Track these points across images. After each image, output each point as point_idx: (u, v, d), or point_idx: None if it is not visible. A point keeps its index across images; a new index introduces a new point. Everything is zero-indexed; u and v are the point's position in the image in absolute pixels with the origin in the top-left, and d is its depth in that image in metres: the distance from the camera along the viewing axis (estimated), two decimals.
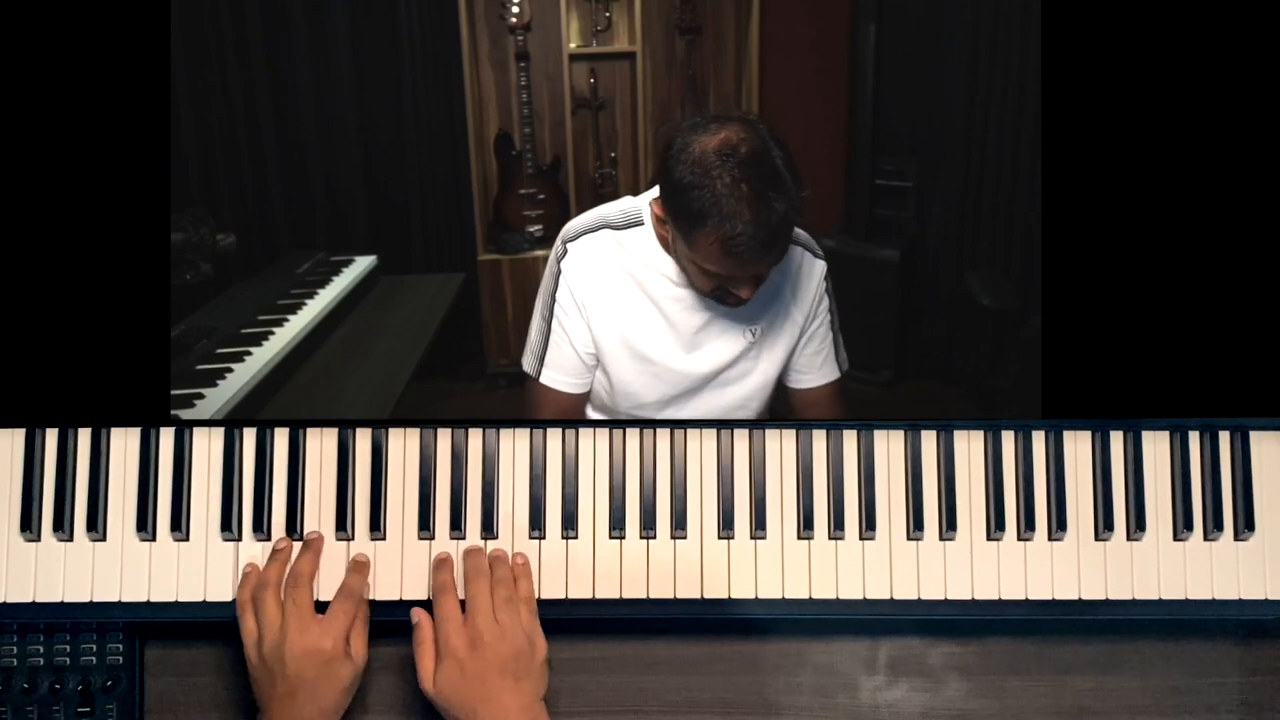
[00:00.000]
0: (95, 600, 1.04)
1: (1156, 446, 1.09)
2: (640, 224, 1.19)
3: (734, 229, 1.02)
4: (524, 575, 1.03)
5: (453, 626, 0.98)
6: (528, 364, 1.25)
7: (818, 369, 1.29)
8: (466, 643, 0.97)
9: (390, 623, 1.05)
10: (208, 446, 1.07)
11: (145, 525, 1.05)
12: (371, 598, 1.04)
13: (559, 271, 1.20)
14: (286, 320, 1.70)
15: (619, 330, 1.21)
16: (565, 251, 1.20)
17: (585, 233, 1.21)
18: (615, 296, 1.20)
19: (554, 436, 1.08)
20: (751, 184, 1.02)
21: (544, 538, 1.06)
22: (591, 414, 1.29)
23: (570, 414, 1.25)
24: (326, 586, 1.04)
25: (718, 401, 1.24)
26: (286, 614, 0.98)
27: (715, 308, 1.19)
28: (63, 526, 1.04)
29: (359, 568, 1.04)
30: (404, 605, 1.04)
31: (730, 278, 1.10)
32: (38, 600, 1.04)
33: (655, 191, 1.18)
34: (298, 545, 1.05)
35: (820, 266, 1.25)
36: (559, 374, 1.23)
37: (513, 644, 0.98)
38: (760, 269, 1.10)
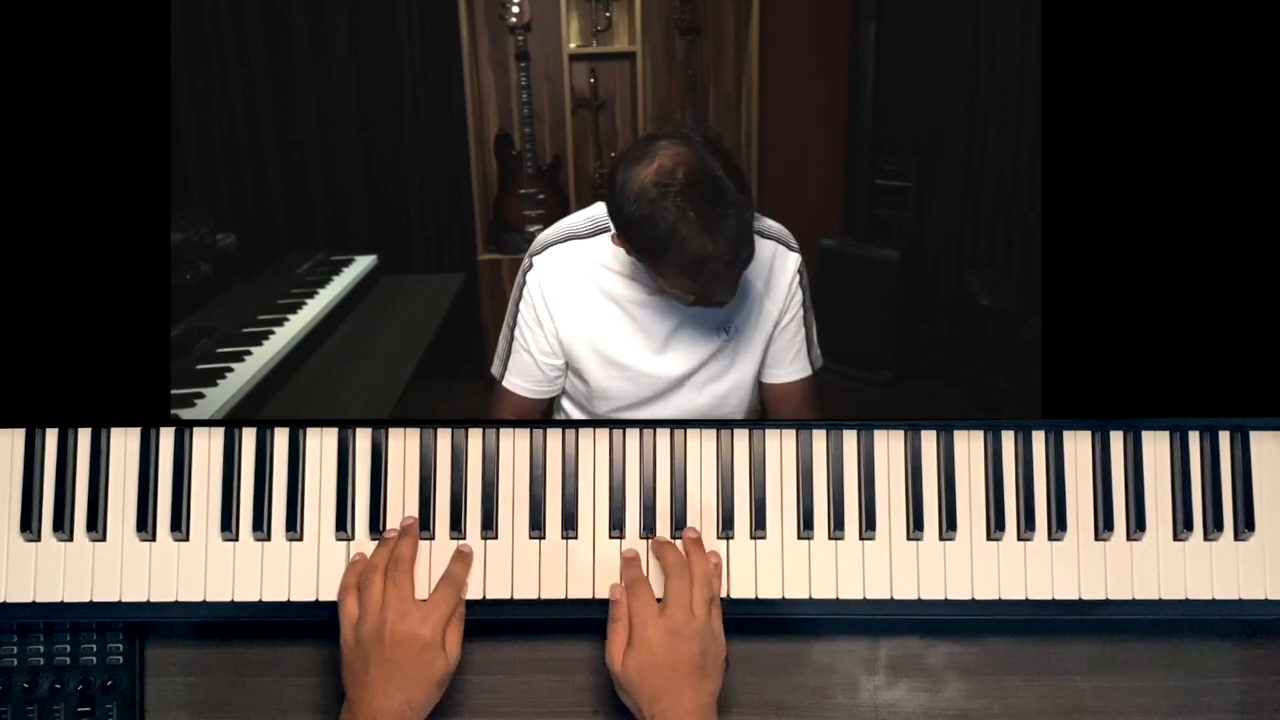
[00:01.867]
0: (95, 600, 1.04)
1: (1156, 446, 1.09)
2: (608, 229, 1.19)
3: (698, 256, 1.01)
4: (716, 575, 1.04)
5: (650, 615, 0.98)
6: (495, 368, 1.28)
7: (788, 364, 1.28)
8: (664, 633, 0.97)
9: None
10: (208, 446, 1.07)
11: (145, 525, 1.05)
12: None
13: (524, 284, 1.23)
14: (286, 320, 1.70)
15: (588, 338, 1.22)
16: (531, 265, 1.23)
17: (551, 244, 1.23)
18: (581, 306, 1.21)
19: (554, 436, 1.08)
20: (698, 207, 1.00)
21: (544, 538, 1.06)
22: (575, 413, 1.30)
23: (529, 416, 1.28)
24: (326, 583, 1.04)
25: (696, 400, 1.24)
26: (388, 597, 0.98)
27: (686, 310, 1.19)
28: (63, 526, 1.04)
29: (463, 557, 1.04)
30: None
31: (706, 289, 1.10)
32: (38, 600, 1.04)
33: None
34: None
35: (794, 260, 1.24)
36: (520, 380, 1.26)
37: (705, 641, 0.98)
38: (732, 276, 1.09)
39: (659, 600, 1.00)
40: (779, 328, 1.26)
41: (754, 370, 1.26)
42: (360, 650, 0.96)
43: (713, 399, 1.25)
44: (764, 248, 1.23)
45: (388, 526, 1.06)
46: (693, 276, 1.05)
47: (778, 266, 1.24)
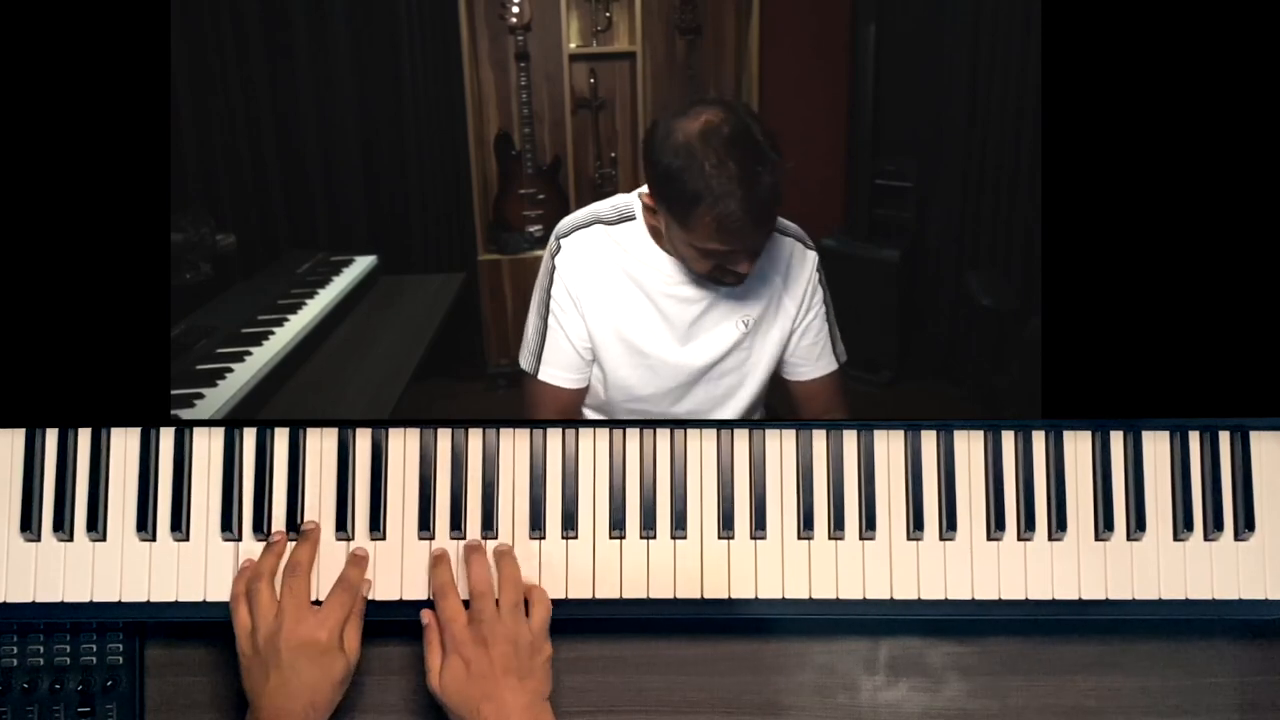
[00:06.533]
0: (95, 600, 1.04)
1: (1156, 446, 1.09)
2: (632, 218, 1.21)
3: (727, 207, 1.04)
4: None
5: (458, 626, 0.99)
6: (525, 362, 1.26)
7: (815, 360, 1.30)
8: (472, 641, 0.98)
9: (392, 623, 1.05)
10: (208, 446, 1.07)
11: (145, 525, 1.05)
12: (371, 598, 1.04)
13: (554, 267, 1.22)
14: (286, 320, 1.70)
15: (613, 324, 1.21)
16: (559, 247, 1.21)
17: (578, 228, 1.22)
18: (609, 291, 1.21)
19: (554, 436, 1.08)
20: (738, 162, 1.04)
21: (544, 538, 1.06)
22: (586, 413, 1.30)
23: (569, 411, 1.25)
24: (326, 585, 1.03)
25: (711, 394, 1.25)
26: (283, 604, 0.99)
27: (709, 299, 1.20)
28: (63, 526, 1.04)
29: (357, 560, 1.04)
30: (404, 605, 1.04)
31: (727, 254, 1.11)
32: (38, 600, 1.04)
33: (645, 187, 1.18)
34: (293, 542, 1.04)
35: (812, 257, 1.26)
36: (557, 370, 1.24)
37: (517, 643, 0.98)
38: (756, 242, 1.11)
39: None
40: (801, 326, 1.27)
41: (769, 365, 1.27)
42: (258, 658, 0.98)
43: (726, 393, 1.25)
44: (782, 245, 1.24)
45: (386, 527, 1.06)
46: (718, 229, 1.06)
47: (795, 263, 1.25)
